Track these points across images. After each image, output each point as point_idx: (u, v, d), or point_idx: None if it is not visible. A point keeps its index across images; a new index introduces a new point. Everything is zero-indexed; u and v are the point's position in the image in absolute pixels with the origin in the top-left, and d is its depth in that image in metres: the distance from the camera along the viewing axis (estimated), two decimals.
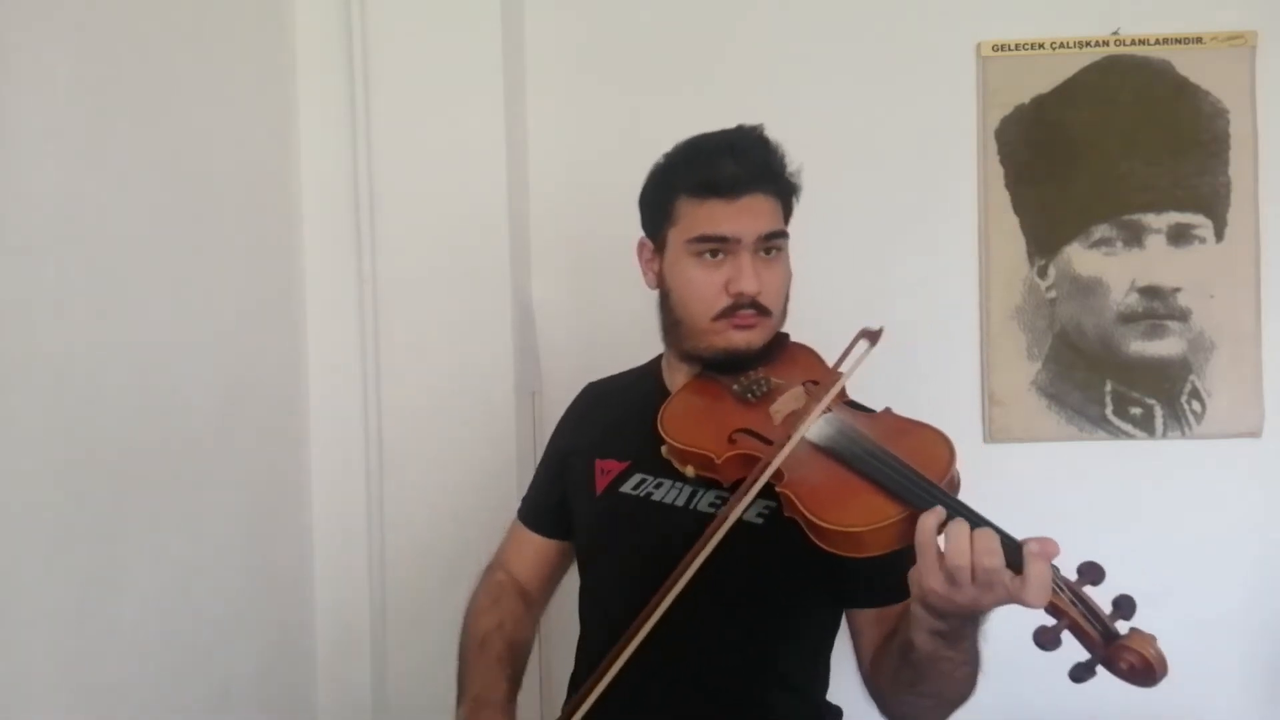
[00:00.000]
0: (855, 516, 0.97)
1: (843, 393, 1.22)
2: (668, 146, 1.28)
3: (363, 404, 1.85)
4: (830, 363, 1.20)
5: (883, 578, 1.16)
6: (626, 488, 1.25)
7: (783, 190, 1.23)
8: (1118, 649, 0.86)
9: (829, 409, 1.13)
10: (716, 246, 1.18)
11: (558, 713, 1.31)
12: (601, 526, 1.28)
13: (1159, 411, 2.01)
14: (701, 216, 1.19)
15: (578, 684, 1.32)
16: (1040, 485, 1.97)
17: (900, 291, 2.01)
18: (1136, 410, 2.01)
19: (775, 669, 1.20)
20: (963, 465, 1.11)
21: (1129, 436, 2.01)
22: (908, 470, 1.00)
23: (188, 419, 1.46)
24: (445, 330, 1.85)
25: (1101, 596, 0.90)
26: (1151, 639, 0.86)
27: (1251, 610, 2.00)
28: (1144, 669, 0.84)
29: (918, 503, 0.96)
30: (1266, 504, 2.01)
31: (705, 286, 1.19)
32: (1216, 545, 1.99)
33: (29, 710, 1.11)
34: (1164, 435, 2.01)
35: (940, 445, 1.06)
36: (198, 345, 1.49)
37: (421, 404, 1.85)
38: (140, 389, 1.34)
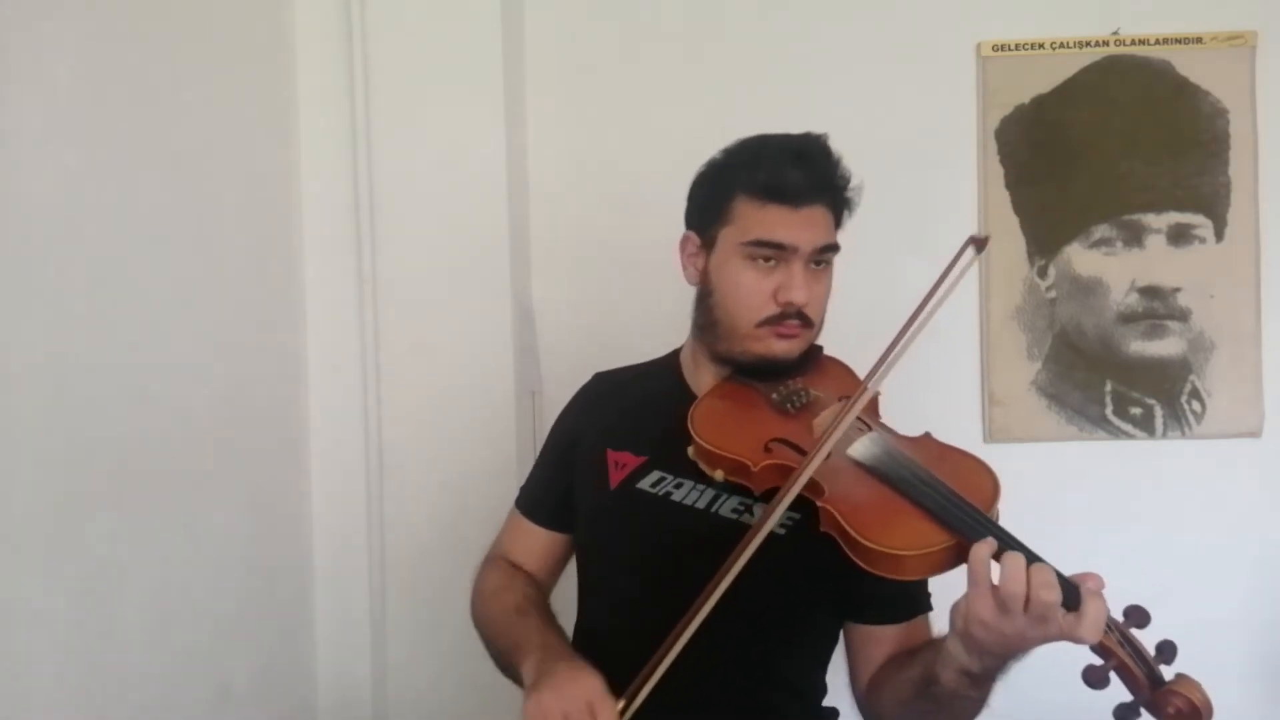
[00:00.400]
0: (901, 539, 0.97)
1: (876, 408, 1.21)
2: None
3: (363, 404, 1.85)
4: (862, 373, 1.18)
5: (895, 596, 1.16)
6: (644, 484, 1.22)
7: (838, 204, 1.22)
8: (1166, 694, 0.87)
9: (869, 427, 1.12)
10: (772, 254, 1.16)
11: None
12: (615, 521, 1.25)
13: (1159, 411, 2.01)
14: (762, 221, 1.16)
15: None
16: (1040, 485, 1.96)
17: (900, 291, 2.00)
18: (1136, 410, 2.01)
19: (780, 674, 1.20)
20: None
21: (1129, 436, 2.01)
22: (957, 498, 0.99)
23: (188, 419, 1.46)
24: (445, 330, 1.85)
25: (1145, 641, 0.91)
26: (1198, 685, 0.87)
27: (1251, 610, 2.00)
28: (1191, 714, 0.86)
29: (967, 532, 0.95)
30: (1266, 504, 2.00)
31: (754, 292, 1.17)
32: (1216, 545, 1.99)
33: (29, 710, 1.12)
34: (1164, 435, 2.01)
35: (985, 476, 1.05)
36: (198, 345, 1.49)
37: (421, 404, 1.85)
38: (140, 389, 1.34)
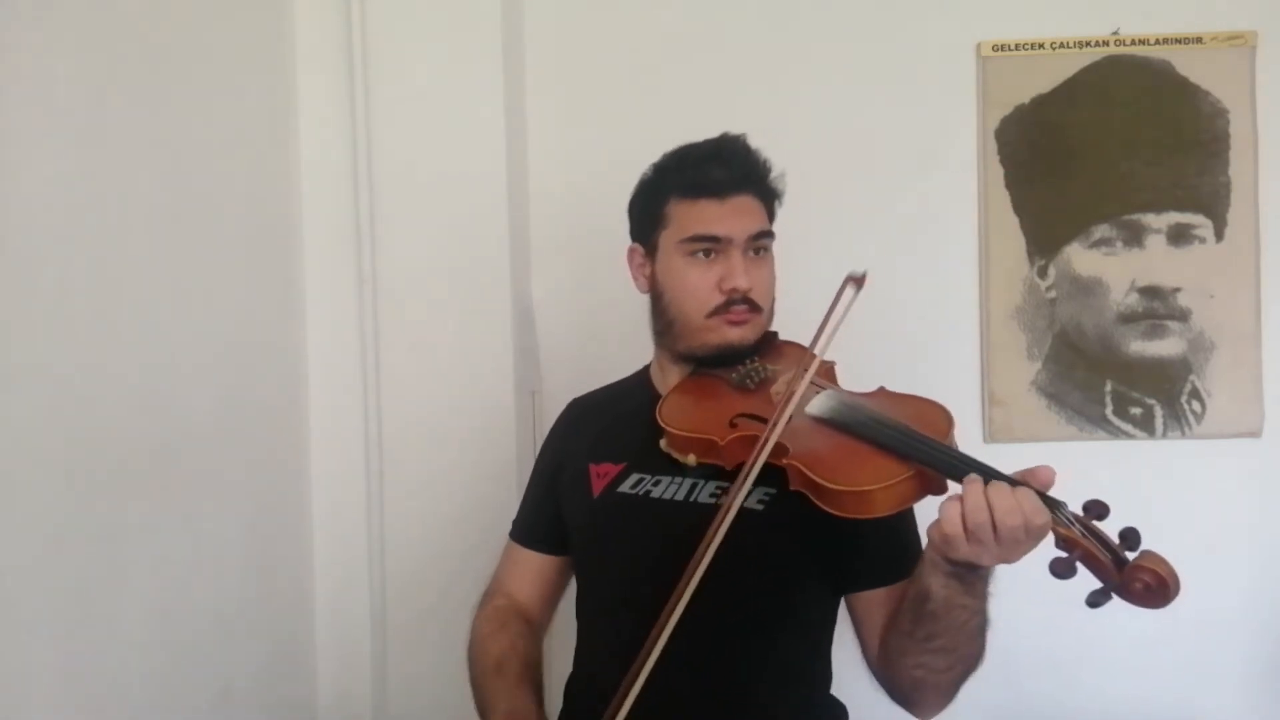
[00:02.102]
0: (865, 477, 1.01)
1: (834, 376, 1.26)
2: (668, 146, 1.30)
3: (363, 404, 1.85)
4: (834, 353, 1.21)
5: (886, 556, 1.18)
6: (624, 487, 1.26)
7: (766, 194, 1.29)
8: (1132, 570, 0.90)
9: (823, 386, 1.17)
10: (709, 246, 1.23)
11: (555, 713, 1.32)
12: (601, 527, 1.28)
13: (1159, 411, 2.01)
14: (694, 217, 1.24)
15: (575, 688, 1.32)
16: None
17: (900, 291, 2.01)
18: (1136, 410, 2.01)
19: (776, 657, 1.20)
20: None
21: (1129, 436, 2.01)
22: (913, 432, 1.04)
23: (188, 419, 1.45)
24: (445, 330, 1.85)
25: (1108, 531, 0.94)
26: (1163, 559, 0.91)
27: (1251, 610, 2.00)
28: (1159, 586, 0.89)
29: (927, 460, 1.00)
30: (1266, 504, 2.00)
31: (699, 285, 1.24)
32: (1216, 545, 1.98)
33: (29, 710, 1.12)
34: (1164, 435, 2.01)
35: (937, 410, 1.11)
36: (198, 345, 1.49)
37: (421, 404, 1.85)
38: (140, 389, 1.34)
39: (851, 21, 2.03)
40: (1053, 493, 0.99)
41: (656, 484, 1.24)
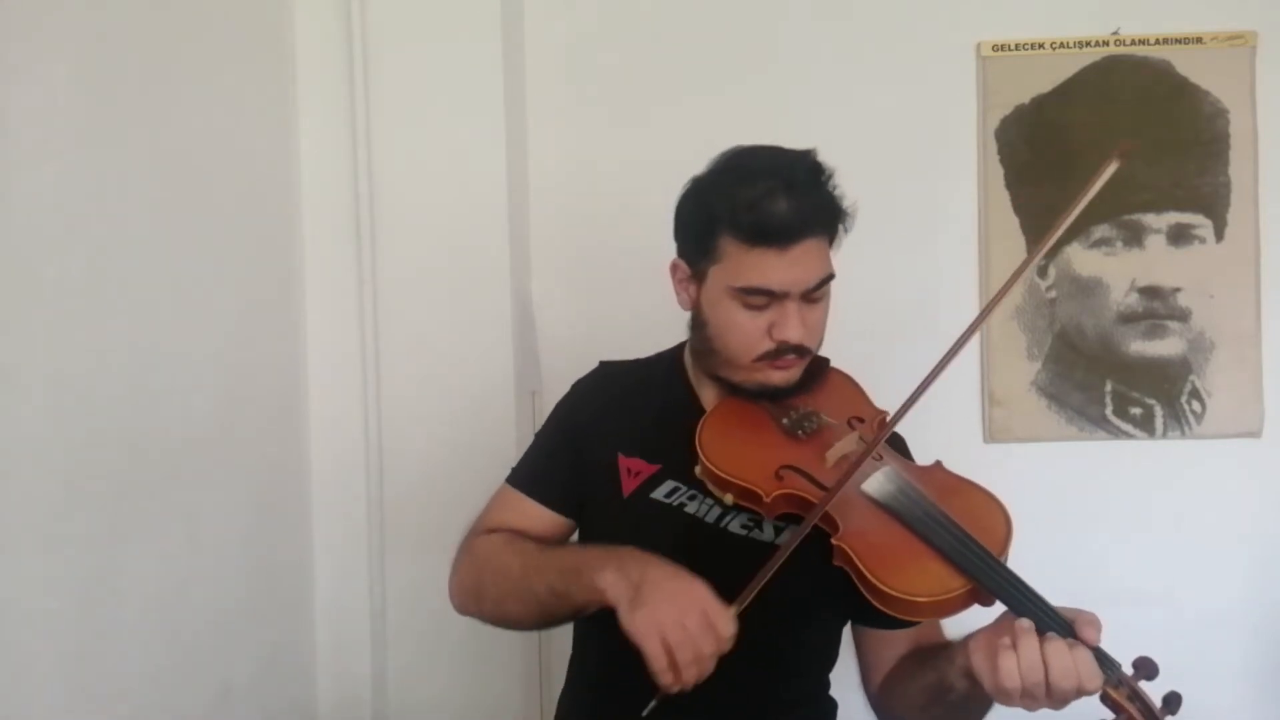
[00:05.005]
0: (919, 585, 0.98)
1: (885, 423, 1.19)
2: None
3: (363, 404, 1.85)
4: (871, 391, 1.19)
5: None
6: (658, 494, 1.20)
7: (833, 231, 1.17)
8: None
9: (880, 456, 1.11)
10: (764, 299, 1.11)
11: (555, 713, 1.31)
12: (628, 530, 1.19)
13: (1159, 411, 2.01)
14: (750, 266, 1.10)
15: (570, 700, 1.30)
16: (1040, 485, 1.97)
17: (900, 291, 2.01)
18: (1136, 410, 2.01)
19: (786, 678, 1.20)
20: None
21: (1129, 436, 2.01)
22: (972, 542, 0.99)
23: (188, 419, 1.46)
24: (445, 330, 1.85)
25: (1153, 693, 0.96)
26: None
27: (1251, 610, 2.00)
28: None
29: (981, 578, 0.97)
30: (1266, 504, 2.00)
31: (748, 332, 1.13)
32: (1216, 545, 1.99)
33: (29, 710, 1.12)
34: (1164, 435, 2.01)
35: (998, 516, 1.05)
36: (198, 345, 1.49)
37: (421, 403, 1.85)
38: (140, 389, 1.34)
39: (852, 21, 2.02)
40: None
41: (691, 498, 1.18)
